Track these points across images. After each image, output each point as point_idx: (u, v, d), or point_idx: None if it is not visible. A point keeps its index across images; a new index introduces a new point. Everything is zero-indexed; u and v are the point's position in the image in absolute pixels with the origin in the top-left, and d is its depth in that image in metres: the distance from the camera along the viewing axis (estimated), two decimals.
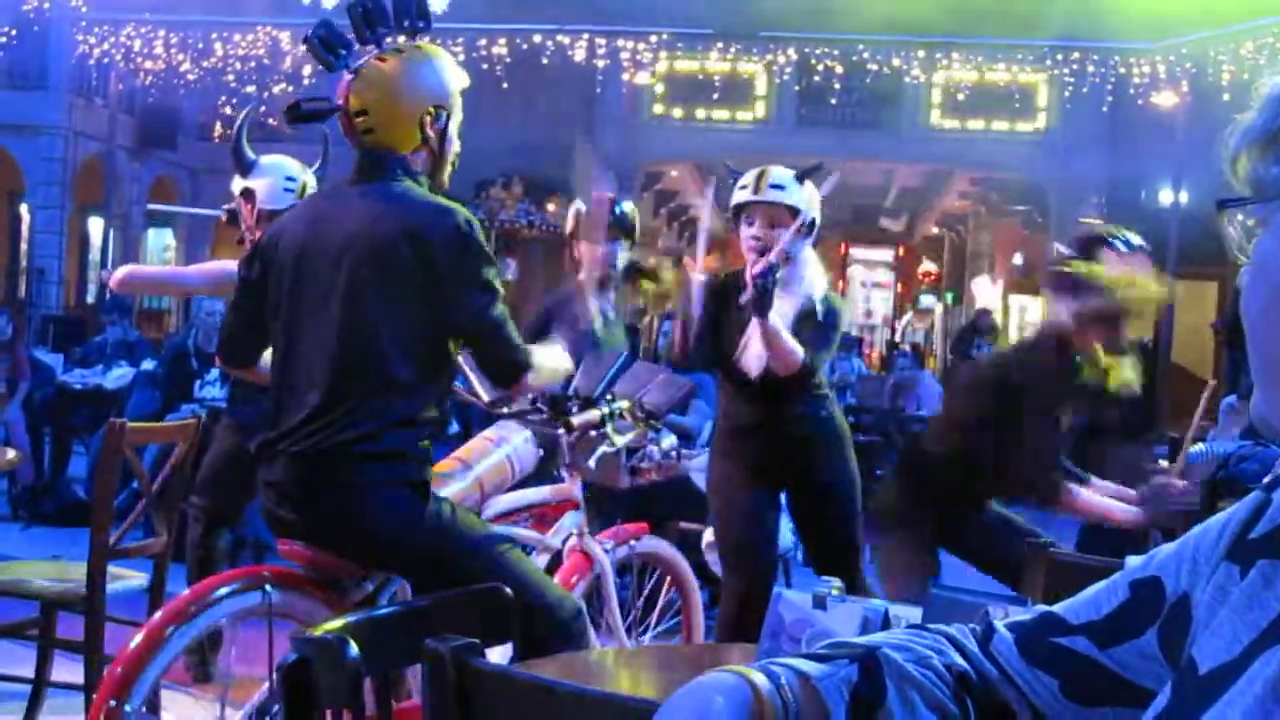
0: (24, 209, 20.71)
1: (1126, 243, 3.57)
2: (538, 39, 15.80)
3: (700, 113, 20.25)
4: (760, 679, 1.05)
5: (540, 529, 3.32)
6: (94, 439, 7.73)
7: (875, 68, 16.32)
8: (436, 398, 2.80)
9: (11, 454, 4.26)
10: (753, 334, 3.71)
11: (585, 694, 1.52)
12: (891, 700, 1.08)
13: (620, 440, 3.28)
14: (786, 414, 3.83)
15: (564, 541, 3.34)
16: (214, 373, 6.62)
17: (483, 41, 15.46)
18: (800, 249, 3.83)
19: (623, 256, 4.50)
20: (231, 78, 16.22)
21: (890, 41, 15.83)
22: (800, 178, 3.83)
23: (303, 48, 2.95)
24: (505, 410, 3.32)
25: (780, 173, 3.83)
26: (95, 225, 20.93)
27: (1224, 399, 8.30)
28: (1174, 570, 1.07)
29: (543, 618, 2.76)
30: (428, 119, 2.84)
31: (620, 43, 16.26)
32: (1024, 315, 22.50)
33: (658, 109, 20.42)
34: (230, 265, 4.01)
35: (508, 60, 15.65)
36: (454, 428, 7.47)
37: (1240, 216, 0.98)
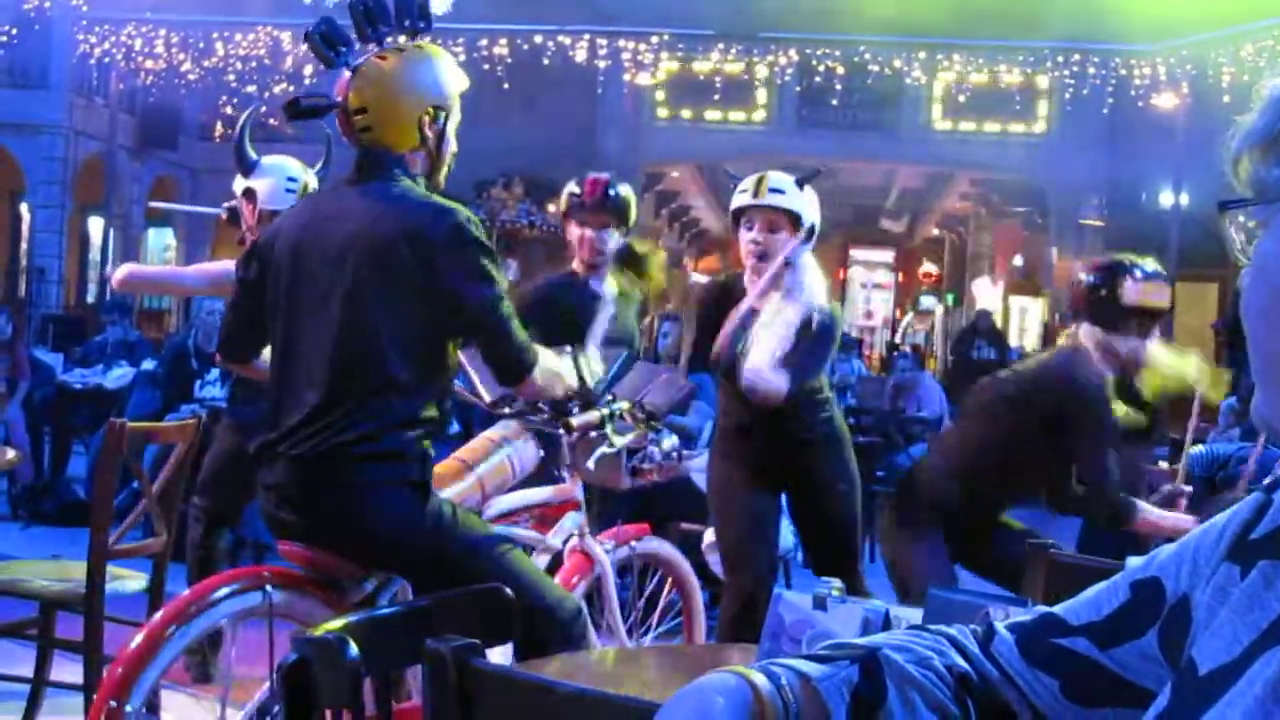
0: (24, 208, 20.73)
1: (1144, 270, 3.68)
2: (539, 39, 15.81)
3: (701, 114, 20.27)
4: (761, 680, 1.05)
5: (541, 529, 3.32)
6: (94, 439, 7.73)
7: (876, 69, 16.32)
8: (437, 398, 2.79)
9: (11, 453, 4.26)
10: (751, 345, 3.73)
11: (585, 694, 1.52)
12: (892, 701, 1.08)
13: (621, 441, 3.28)
14: (785, 417, 3.82)
15: (565, 542, 3.34)
16: (214, 373, 6.62)
17: (484, 42, 15.47)
18: (800, 255, 3.83)
19: (614, 242, 4.29)
20: (232, 77, 16.24)
21: (891, 43, 15.83)
22: (800, 183, 3.83)
23: (304, 47, 2.95)
24: (506, 411, 3.32)
25: (780, 177, 3.83)
26: (95, 225, 20.94)
27: (1224, 400, 8.29)
28: (1174, 571, 1.07)
29: (543, 618, 2.76)
30: (426, 119, 2.84)
31: (621, 43, 16.27)
32: (1024, 317, 22.53)
33: (659, 110, 20.44)
34: (230, 265, 4.01)
35: (509, 61, 15.66)
36: (455, 428, 7.46)
37: (1241, 218, 0.98)
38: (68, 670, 3.67)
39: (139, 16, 16.14)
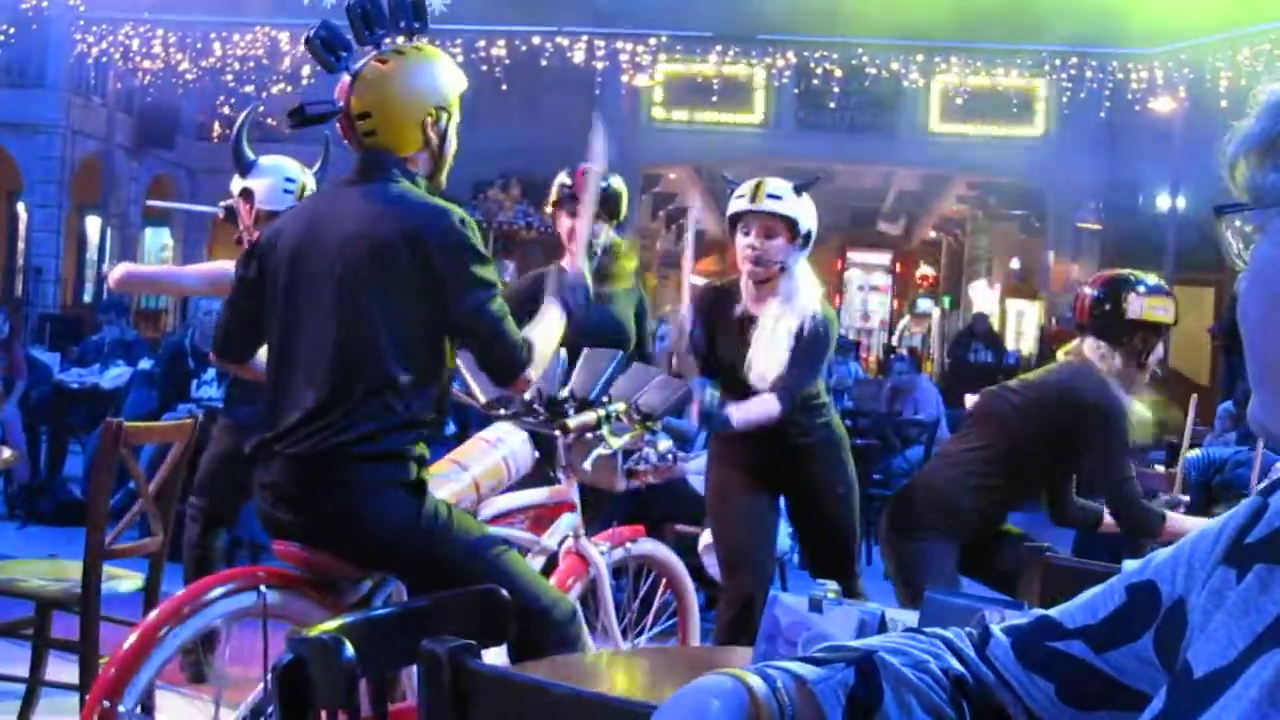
0: (21, 207, 20.71)
1: (1148, 284, 3.74)
2: (537, 40, 15.80)
3: (699, 115, 20.27)
4: (756, 682, 1.05)
5: (536, 531, 3.31)
6: (91, 438, 7.72)
7: (874, 71, 16.32)
8: (434, 399, 2.80)
9: (8, 453, 4.25)
10: (753, 355, 3.75)
11: (581, 696, 1.52)
12: (888, 704, 1.08)
13: (616, 442, 3.28)
14: (782, 423, 3.83)
15: (560, 543, 3.34)
16: (211, 373, 6.61)
17: (482, 43, 15.46)
18: (796, 261, 3.84)
19: (604, 236, 4.28)
20: (230, 77, 16.21)
21: (889, 45, 15.82)
22: (798, 189, 3.84)
23: (301, 48, 2.95)
24: (502, 412, 3.32)
25: (777, 183, 3.84)
26: (93, 224, 20.93)
27: (1220, 404, 8.31)
28: (1170, 575, 1.07)
29: (538, 620, 2.76)
30: (429, 121, 2.84)
31: (619, 45, 16.26)
32: (1021, 320, 22.53)
33: (657, 112, 20.44)
34: (227, 265, 4.01)
35: (507, 62, 15.65)
36: (451, 429, 7.46)
37: (1238, 222, 0.98)
38: (63, 670, 3.67)
39: (136, 16, 16.11)
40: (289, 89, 15.05)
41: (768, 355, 3.74)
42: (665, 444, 3.41)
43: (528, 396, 3.23)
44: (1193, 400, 4.20)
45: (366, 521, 2.70)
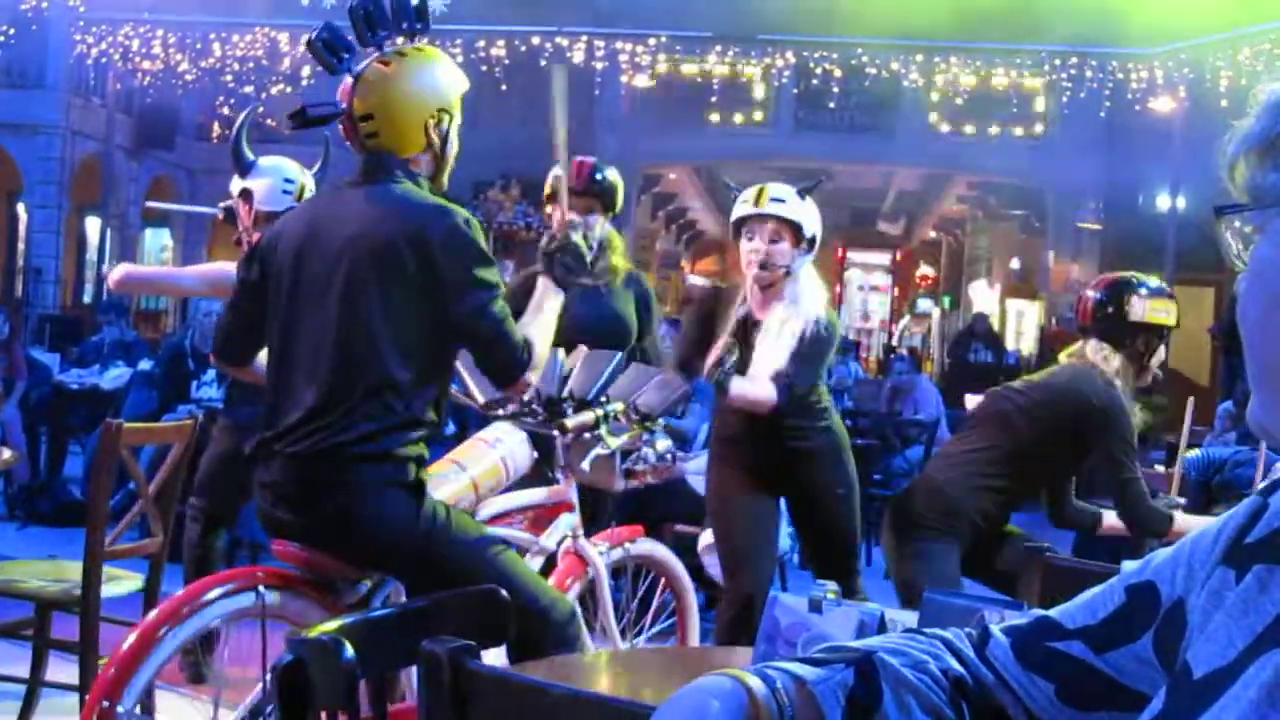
0: (21, 208, 20.72)
1: (1150, 287, 3.78)
2: (536, 41, 15.79)
3: (699, 116, 20.27)
4: (756, 683, 1.05)
5: (535, 531, 3.31)
6: (90, 439, 7.72)
7: (874, 71, 16.31)
8: (434, 399, 2.80)
9: (8, 453, 4.25)
10: (760, 347, 3.77)
11: (580, 696, 1.52)
12: (887, 705, 1.08)
13: (615, 442, 3.28)
14: (782, 426, 3.84)
15: (559, 544, 3.34)
16: (211, 373, 6.61)
17: (481, 43, 15.46)
18: (801, 265, 3.85)
19: (599, 229, 4.26)
20: (230, 78, 16.21)
21: (889, 45, 15.81)
22: (801, 193, 3.85)
23: (301, 48, 2.95)
24: (500, 412, 3.32)
25: (781, 188, 3.86)
26: (93, 225, 20.94)
27: (1220, 405, 8.31)
28: (1170, 575, 1.07)
29: (537, 620, 2.76)
30: (431, 122, 2.84)
31: (619, 45, 16.25)
32: (1021, 320, 22.54)
33: (656, 112, 20.43)
34: (227, 266, 4.01)
35: (506, 62, 15.65)
36: (450, 429, 7.46)
37: (1238, 223, 0.98)
38: (63, 670, 3.67)
39: (136, 17, 16.11)
40: (288, 90, 15.05)
41: (770, 358, 3.75)
42: (664, 444, 3.41)
43: (526, 397, 3.23)
44: (1190, 402, 4.22)
45: (366, 521, 2.70)
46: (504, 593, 2.07)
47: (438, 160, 2.90)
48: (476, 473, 3.13)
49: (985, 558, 3.77)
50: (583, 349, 3.42)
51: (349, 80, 2.82)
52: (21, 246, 20.90)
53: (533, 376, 2.86)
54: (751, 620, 3.31)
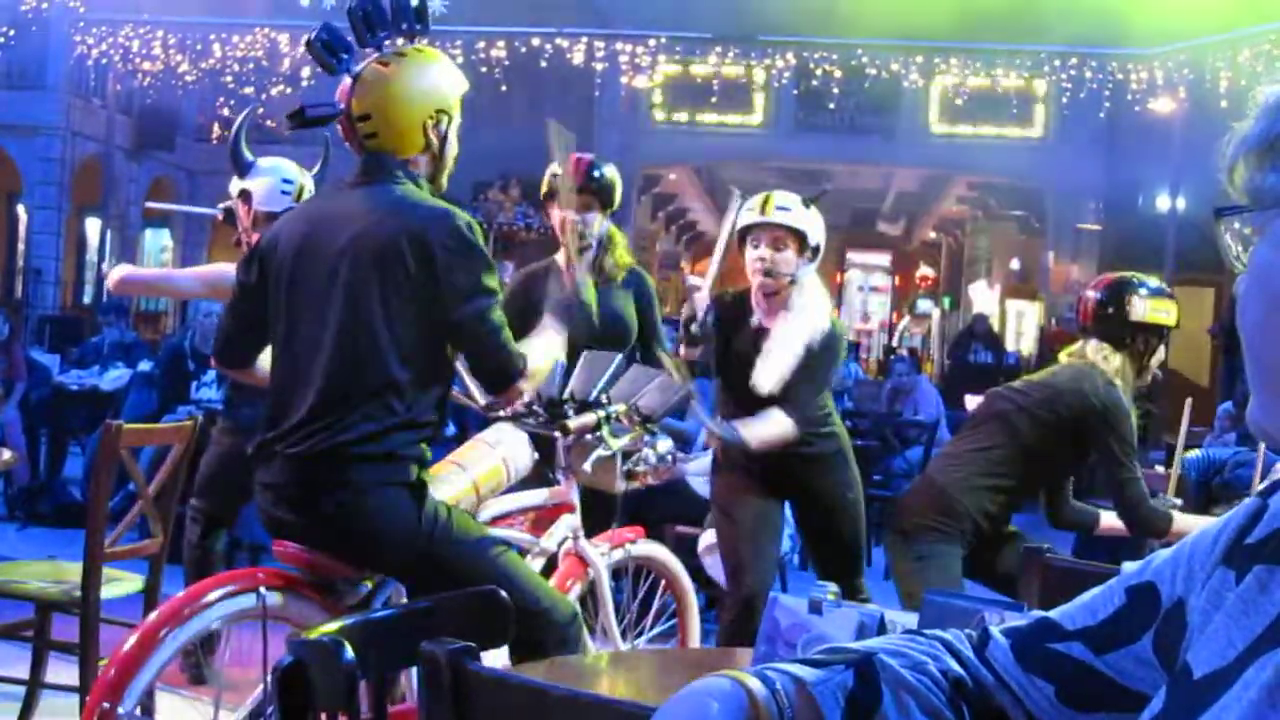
0: (21, 209, 20.71)
1: (1150, 287, 3.79)
2: (536, 42, 15.80)
3: (699, 116, 20.28)
4: (755, 684, 1.05)
5: (536, 532, 3.31)
6: (90, 440, 7.73)
7: (874, 72, 16.32)
8: (435, 400, 2.80)
9: (8, 454, 4.25)
10: (770, 348, 3.78)
11: (580, 698, 1.52)
12: (887, 706, 1.08)
13: (616, 444, 3.28)
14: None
15: (559, 545, 3.33)
16: (211, 374, 6.61)
17: (482, 44, 15.47)
18: (805, 273, 3.86)
19: (596, 226, 4.21)
20: (230, 79, 16.22)
21: (889, 46, 15.83)
22: (806, 202, 3.86)
23: (301, 49, 2.95)
24: (501, 413, 3.32)
25: (786, 196, 3.88)
26: (93, 226, 20.94)
27: (1220, 405, 8.31)
28: (1170, 576, 1.07)
29: (538, 621, 2.76)
30: (429, 123, 2.84)
31: (619, 46, 16.27)
32: (1021, 320, 22.54)
33: (656, 113, 20.45)
34: (226, 268, 4.01)
35: (506, 63, 15.66)
36: (450, 430, 7.46)
37: (1237, 224, 0.98)
38: (63, 672, 3.67)
39: (136, 18, 16.13)
40: (288, 91, 15.05)
41: (774, 365, 3.77)
42: (665, 445, 3.41)
43: (527, 398, 3.23)
44: (1187, 403, 4.22)
45: (367, 522, 2.70)
46: (504, 594, 2.07)
47: (436, 161, 2.90)
48: (477, 474, 3.12)
49: (986, 559, 3.77)
50: (585, 353, 3.42)
51: (348, 80, 2.82)
52: (21, 247, 20.90)
53: (526, 386, 2.86)
54: (753, 623, 3.31)
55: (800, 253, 3.83)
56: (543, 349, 2.96)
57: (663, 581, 3.75)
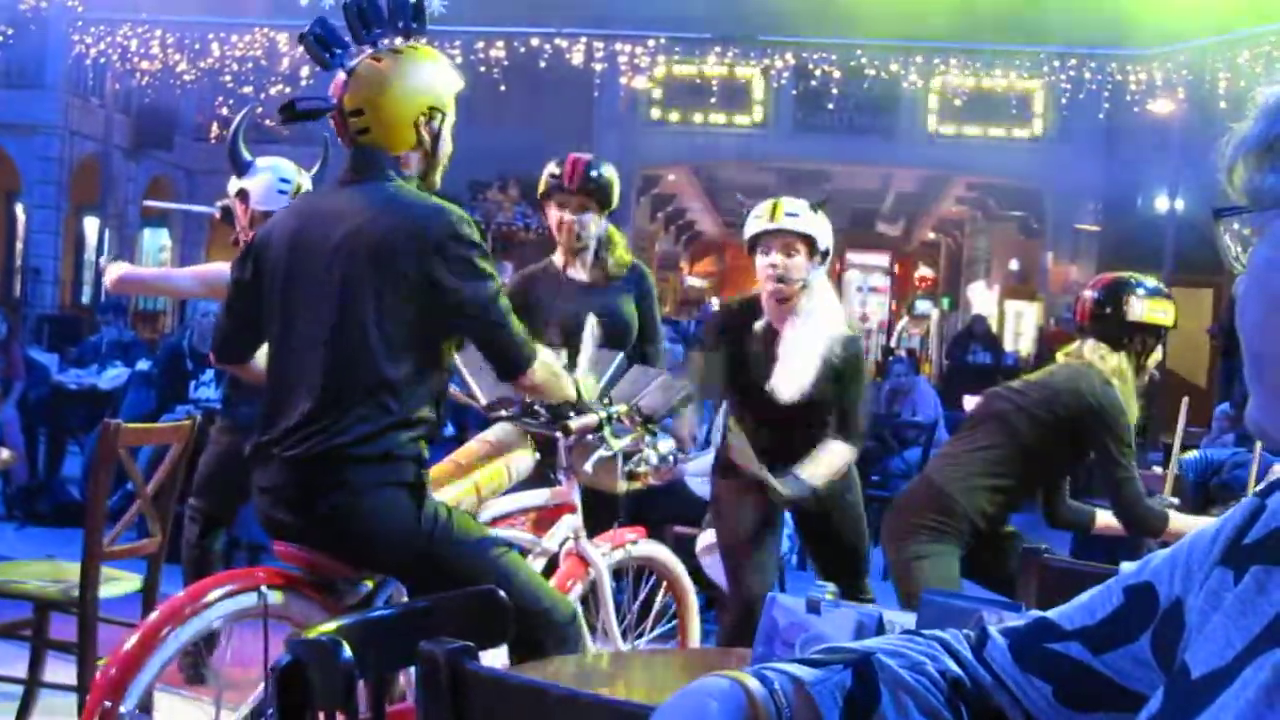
0: (20, 208, 20.71)
1: (1148, 287, 3.80)
2: (535, 42, 15.79)
3: (698, 117, 20.28)
4: (754, 684, 1.05)
5: (537, 532, 3.31)
6: (89, 439, 7.72)
7: (873, 73, 16.31)
8: (432, 399, 2.79)
9: (6, 454, 4.25)
10: (785, 355, 3.81)
11: (579, 698, 1.52)
12: (885, 706, 1.08)
13: (617, 444, 3.28)
14: (793, 443, 3.87)
15: (560, 545, 3.34)
16: (209, 374, 6.61)
17: (480, 44, 15.46)
18: (816, 277, 3.87)
19: (593, 226, 4.22)
20: (228, 78, 16.21)
21: (888, 47, 15.82)
22: (813, 207, 3.87)
23: (300, 49, 2.95)
24: (502, 413, 3.32)
25: (794, 202, 3.89)
26: (91, 225, 20.94)
27: (1218, 406, 8.31)
28: (1168, 576, 1.08)
29: (538, 621, 2.76)
30: (422, 120, 2.84)
31: (618, 46, 16.26)
32: (1019, 321, 22.55)
33: (655, 113, 20.45)
34: (224, 267, 4.00)
35: (505, 63, 15.65)
36: (450, 430, 7.46)
37: (1236, 225, 0.98)
38: (61, 671, 3.67)
39: (135, 17, 16.11)
40: (287, 90, 15.03)
41: (794, 371, 3.78)
42: (666, 445, 3.42)
43: (528, 399, 3.23)
44: (1184, 403, 4.22)
45: (366, 522, 2.70)
46: (504, 594, 2.07)
47: (428, 158, 2.89)
48: (478, 474, 3.13)
49: (984, 559, 3.78)
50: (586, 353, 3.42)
51: (342, 75, 2.82)
52: (20, 246, 20.90)
53: (537, 378, 2.86)
54: (754, 626, 3.31)
55: (810, 257, 3.85)
56: (550, 354, 2.96)
57: (663, 582, 3.76)
